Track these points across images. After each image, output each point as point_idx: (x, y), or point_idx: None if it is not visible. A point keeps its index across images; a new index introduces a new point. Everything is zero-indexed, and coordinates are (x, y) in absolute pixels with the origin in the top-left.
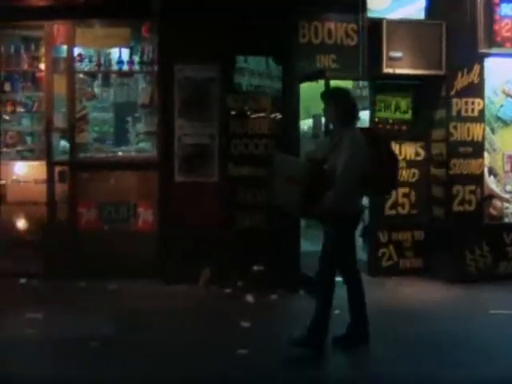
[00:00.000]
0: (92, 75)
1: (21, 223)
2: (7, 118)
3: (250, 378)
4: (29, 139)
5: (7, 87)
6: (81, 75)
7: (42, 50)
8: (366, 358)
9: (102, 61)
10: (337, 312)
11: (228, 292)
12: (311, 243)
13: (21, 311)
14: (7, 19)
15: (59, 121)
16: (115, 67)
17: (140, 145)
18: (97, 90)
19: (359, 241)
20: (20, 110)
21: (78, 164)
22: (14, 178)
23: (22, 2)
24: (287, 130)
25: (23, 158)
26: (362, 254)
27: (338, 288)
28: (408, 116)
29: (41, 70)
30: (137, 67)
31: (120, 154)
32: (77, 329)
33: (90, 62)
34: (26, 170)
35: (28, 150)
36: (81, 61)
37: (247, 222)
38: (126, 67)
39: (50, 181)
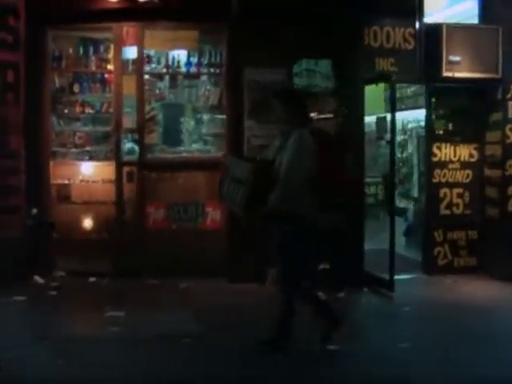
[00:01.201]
0: (160, 77)
1: (89, 223)
2: (76, 118)
3: (347, 373)
4: (97, 140)
5: (76, 88)
6: (149, 77)
7: (111, 52)
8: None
9: (170, 63)
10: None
11: None
12: (375, 242)
13: (100, 310)
14: (77, 21)
15: (128, 122)
16: (183, 69)
17: (208, 145)
18: (165, 92)
19: (403, 240)
20: (89, 110)
21: (147, 164)
22: (83, 178)
23: (92, 5)
24: (352, 132)
25: (91, 159)
26: (414, 253)
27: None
28: (462, 119)
29: (109, 72)
30: (204, 69)
31: (188, 154)
32: (163, 326)
33: (159, 63)
34: (94, 170)
35: (96, 151)
36: (149, 62)
37: None
38: (193, 69)
39: (118, 181)
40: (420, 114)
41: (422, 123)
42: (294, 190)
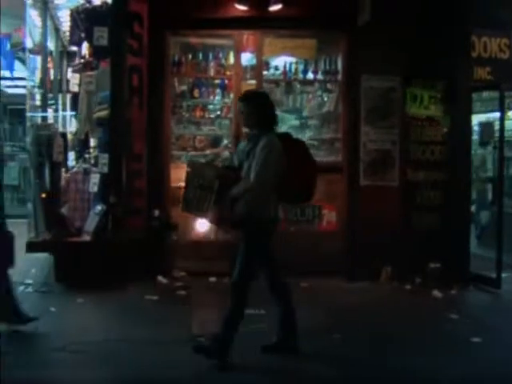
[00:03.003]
0: (277, 83)
1: (207, 224)
2: (196, 122)
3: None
4: (217, 143)
5: (196, 93)
6: (267, 83)
7: (230, 58)
8: None
9: (288, 69)
10: None
11: (409, 288)
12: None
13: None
14: (197, 28)
15: None
16: (300, 76)
17: (324, 150)
18: (282, 98)
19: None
20: (208, 115)
21: None
22: None
23: (213, 13)
24: (459, 138)
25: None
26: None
27: None
28: None
29: (228, 77)
30: (321, 76)
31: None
32: (303, 322)
33: (276, 70)
34: None
35: (216, 154)
36: (267, 69)
37: (423, 223)
38: (310, 76)
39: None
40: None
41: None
42: (264, 196)
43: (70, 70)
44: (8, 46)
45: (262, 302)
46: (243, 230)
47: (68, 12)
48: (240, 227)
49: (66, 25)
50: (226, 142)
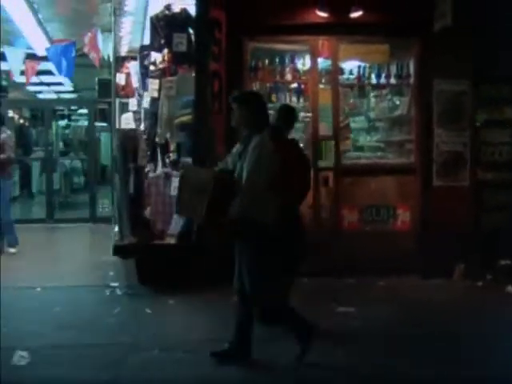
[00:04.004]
0: (351, 87)
1: None
2: None
3: None
4: None
5: (273, 98)
6: (342, 87)
7: (306, 63)
8: None
9: (362, 74)
10: None
11: (481, 285)
12: None
13: (326, 305)
14: (274, 34)
15: (324, 129)
16: (373, 80)
17: (397, 151)
18: (357, 101)
19: None
20: None
21: (342, 170)
22: None
23: (289, 19)
24: None
25: None
26: None
27: None
28: None
29: (305, 82)
30: (393, 80)
31: (379, 160)
32: (386, 319)
33: (351, 74)
34: None
35: None
36: (342, 74)
37: (493, 221)
38: (383, 80)
39: (315, 185)
40: None
41: None
42: (257, 197)
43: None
44: (73, 52)
45: (351, 300)
46: (241, 236)
47: (130, 18)
48: (238, 234)
49: (123, 31)
50: (301, 145)
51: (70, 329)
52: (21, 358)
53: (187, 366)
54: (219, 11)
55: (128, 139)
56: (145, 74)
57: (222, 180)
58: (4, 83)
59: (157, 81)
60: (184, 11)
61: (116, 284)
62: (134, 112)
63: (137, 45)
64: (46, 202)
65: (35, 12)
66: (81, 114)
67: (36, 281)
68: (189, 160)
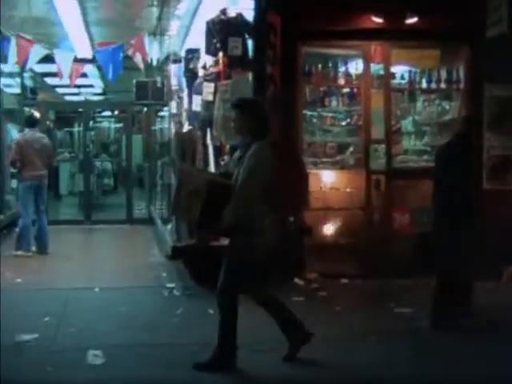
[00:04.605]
0: (402, 92)
1: (338, 227)
2: (326, 130)
3: None
4: (347, 150)
5: (327, 102)
6: (394, 92)
7: (358, 68)
8: None
9: (413, 79)
10: None
11: None
12: None
13: (383, 307)
14: (328, 39)
15: (376, 133)
16: (424, 85)
17: None
18: (408, 106)
19: None
20: (338, 123)
21: (393, 173)
22: (333, 185)
23: (344, 25)
24: None
25: (342, 168)
26: None
27: None
28: None
29: (357, 87)
30: (443, 85)
31: (427, 164)
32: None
33: (402, 79)
34: (343, 178)
35: (346, 160)
36: (393, 78)
37: None
38: (433, 85)
39: (367, 188)
40: None
41: None
42: (246, 205)
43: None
44: (121, 55)
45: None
46: (231, 238)
47: (177, 22)
48: (228, 235)
49: (167, 34)
50: (351, 149)
51: (138, 329)
52: (94, 357)
53: (263, 364)
54: (275, 16)
55: (187, 141)
56: (190, 77)
57: (216, 184)
58: (32, 85)
59: (212, 84)
60: (239, 16)
61: (172, 285)
62: (174, 115)
63: (175, 48)
64: (84, 203)
65: (85, 15)
66: (104, 116)
67: (92, 282)
68: None
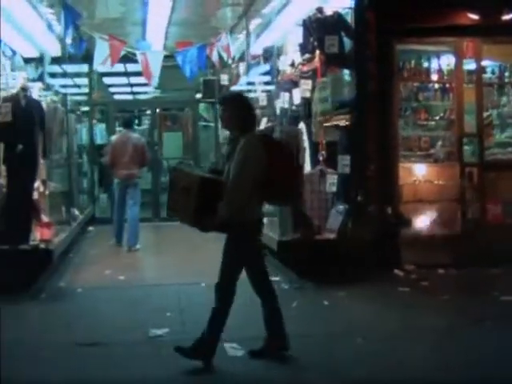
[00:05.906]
0: (493, 86)
1: (433, 219)
2: (421, 124)
3: None
4: (440, 143)
5: (420, 97)
6: (485, 86)
7: (451, 64)
8: None
9: (504, 73)
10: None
11: None
12: None
13: (488, 295)
14: (422, 36)
15: (469, 127)
16: None
17: None
18: (498, 100)
19: None
20: (432, 117)
21: (486, 165)
22: (427, 178)
23: (437, 22)
24: None
25: (435, 161)
26: None
27: None
28: None
29: (449, 82)
30: None
31: None
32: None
33: (493, 74)
34: (436, 171)
35: (439, 154)
36: (485, 73)
37: None
38: None
39: (461, 180)
40: None
41: None
42: (243, 198)
43: None
44: (204, 54)
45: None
46: (228, 232)
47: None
48: (225, 229)
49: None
50: (444, 142)
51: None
52: (232, 349)
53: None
54: (371, 14)
55: (292, 138)
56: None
57: (207, 181)
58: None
59: (309, 81)
60: (336, 14)
61: (277, 278)
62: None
63: (254, 47)
64: (153, 201)
65: (171, 14)
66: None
67: (195, 277)
68: (347, 157)
